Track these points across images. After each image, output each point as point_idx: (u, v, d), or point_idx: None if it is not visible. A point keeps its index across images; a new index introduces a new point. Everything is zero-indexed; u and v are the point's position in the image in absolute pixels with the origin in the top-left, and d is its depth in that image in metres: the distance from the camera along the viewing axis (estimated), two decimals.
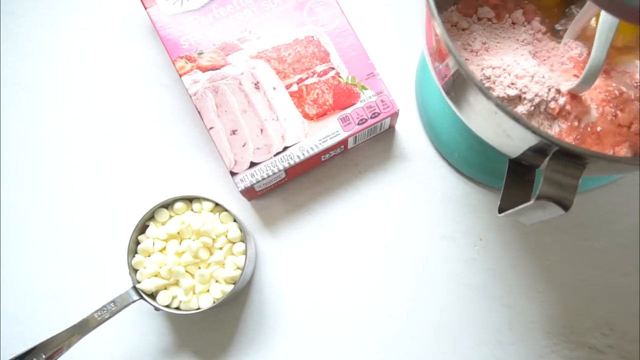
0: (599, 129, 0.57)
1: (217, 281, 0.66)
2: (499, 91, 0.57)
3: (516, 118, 0.45)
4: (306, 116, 0.69)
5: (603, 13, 0.50)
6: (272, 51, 0.71)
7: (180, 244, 0.66)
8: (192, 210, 0.68)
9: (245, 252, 0.66)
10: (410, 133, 0.75)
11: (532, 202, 0.48)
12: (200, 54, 0.70)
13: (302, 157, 0.68)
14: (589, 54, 0.57)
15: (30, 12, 0.80)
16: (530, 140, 0.47)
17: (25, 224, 0.74)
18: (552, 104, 0.56)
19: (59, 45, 0.79)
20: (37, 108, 0.77)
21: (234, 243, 0.67)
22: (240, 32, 0.71)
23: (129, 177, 0.75)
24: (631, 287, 0.70)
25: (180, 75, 0.70)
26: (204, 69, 0.70)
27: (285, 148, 0.68)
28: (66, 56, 0.78)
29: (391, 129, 0.74)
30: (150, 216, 0.67)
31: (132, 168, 0.75)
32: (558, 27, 0.64)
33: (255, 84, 0.70)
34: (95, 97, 0.77)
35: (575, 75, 0.59)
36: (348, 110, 0.69)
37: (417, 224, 0.73)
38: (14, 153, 0.76)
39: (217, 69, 0.70)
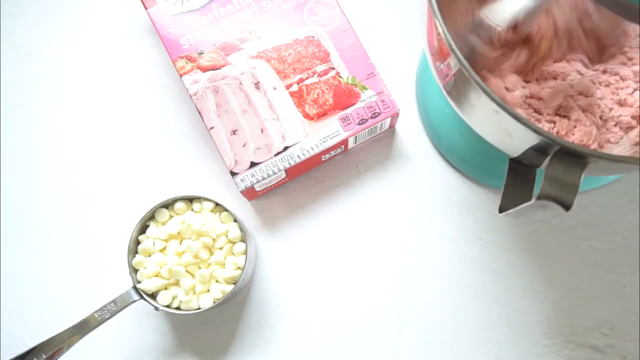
0: None
1: (217, 281, 0.66)
2: None
3: (517, 117, 0.45)
4: (306, 116, 0.69)
5: None
6: (273, 51, 0.71)
7: (180, 244, 0.66)
8: (192, 210, 0.68)
9: (245, 252, 0.66)
10: (411, 133, 0.75)
11: (532, 201, 0.48)
12: (201, 54, 0.70)
13: (302, 157, 0.68)
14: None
15: (30, 12, 0.80)
16: (532, 139, 0.47)
17: (26, 223, 0.74)
18: None
19: (59, 45, 0.79)
20: (37, 108, 0.77)
21: (234, 243, 0.67)
22: (241, 32, 0.71)
23: (129, 177, 0.75)
24: (631, 287, 0.70)
25: (181, 75, 0.70)
26: (204, 69, 0.70)
27: (286, 148, 0.68)
28: (67, 56, 0.78)
29: (391, 129, 0.74)
30: (151, 216, 0.67)
31: (132, 168, 0.75)
32: None
33: (256, 84, 0.70)
34: (95, 97, 0.77)
35: None
36: (348, 110, 0.69)
37: (417, 224, 0.73)
38: (14, 153, 0.76)
39: (217, 69, 0.70)
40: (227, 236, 0.67)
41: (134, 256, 0.66)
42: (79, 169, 0.75)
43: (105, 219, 0.74)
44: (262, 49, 0.71)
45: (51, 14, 0.80)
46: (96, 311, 0.64)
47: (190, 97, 0.69)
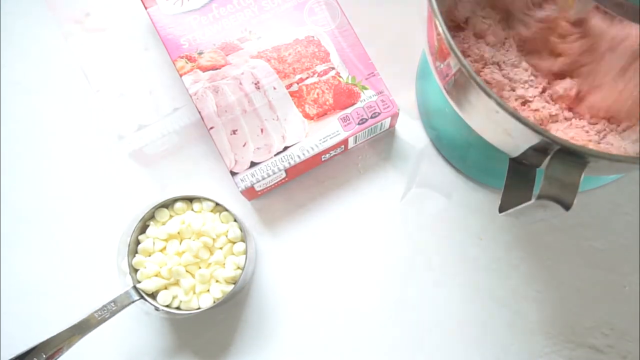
0: None
1: (217, 281, 0.66)
2: None
3: (517, 117, 0.45)
4: (306, 116, 0.69)
5: None
6: (273, 51, 0.71)
7: (180, 243, 0.66)
8: (192, 210, 0.68)
9: (245, 252, 0.66)
10: (411, 133, 0.75)
11: (532, 201, 0.48)
12: (201, 53, 0.70)
13: (302, 157, 0.68)
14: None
15: (30, 12, 0.80)
16: (532, 139, 0.47)
17: (25, 223, 0.74)
18: None
19: (59, 45, 0.79)
20: (37, 107, 0.77)
21: (234, 243, 0.67)
22: (241, 32, 0.71)
23: (129, 177, 0.75)
24: (631, 287, 0.70)
25: (181, 75, 0.70)
26: (204, 69, 0.70)
27: (286, 148, 0.68)
28: (67, 55, 0.78)
29: (391, 128, 0.74)
30: (151, 216, 0.67)
31: (132, 167, 0.75)
32: None
33: (256, 84, 0.70)
34: (95, 97, 0.77)
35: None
36: (348, 110, 0.69)
37: (417, 224, 0.73)
38: (14, 153, 0.76)
39: (217, 68, 0.70)
40: (227, 236, 0.66)
41: (134, 256, 0.66)
42: (78, 168, 0.75)
43: (106, 218, 0.74)
44: (262, 49, 0.71)
45: (51, 14, 0.79)
46: (96, 311, 0.63)
47: (190, 97, 0.69)
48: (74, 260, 0.73)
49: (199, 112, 0.69)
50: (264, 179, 0.67)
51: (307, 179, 0.74)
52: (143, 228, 0.67)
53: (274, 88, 0.69)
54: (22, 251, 0.73)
